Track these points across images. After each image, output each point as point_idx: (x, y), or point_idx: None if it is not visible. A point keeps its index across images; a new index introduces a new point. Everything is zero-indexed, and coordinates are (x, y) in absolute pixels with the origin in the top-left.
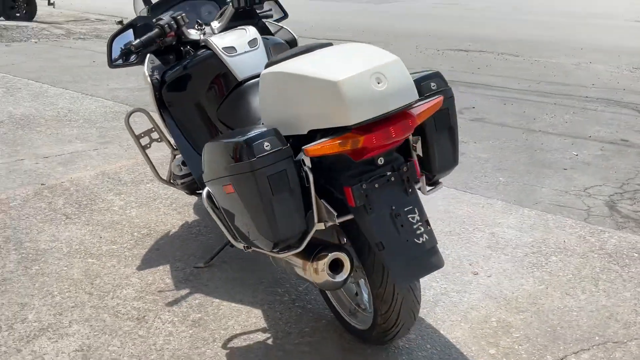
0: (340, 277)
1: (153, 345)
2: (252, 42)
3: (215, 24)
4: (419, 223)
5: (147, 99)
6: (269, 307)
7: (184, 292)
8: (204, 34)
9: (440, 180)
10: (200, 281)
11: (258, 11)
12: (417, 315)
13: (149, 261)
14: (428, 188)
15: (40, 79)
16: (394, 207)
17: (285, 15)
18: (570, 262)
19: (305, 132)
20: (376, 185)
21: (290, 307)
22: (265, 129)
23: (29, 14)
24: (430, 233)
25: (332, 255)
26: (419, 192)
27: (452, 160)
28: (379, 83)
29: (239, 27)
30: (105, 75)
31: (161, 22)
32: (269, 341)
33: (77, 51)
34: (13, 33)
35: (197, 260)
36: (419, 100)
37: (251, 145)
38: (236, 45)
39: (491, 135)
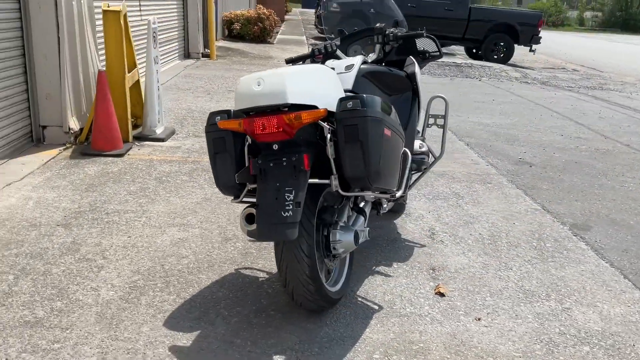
0: (250, 227)
1: (210, 254)
2: (348, 67)
3: (371, 55)
4: (291, 202)
5: None
6: None
7: (264, 245)
8: None
9: (402, 202)
10: None
11: (431, 50)
12: (308, 288)
13: None
14: (349, 192)
15: None
16: (278, 184)
17: (439, 55)
18: (595, 356)
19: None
20: (271, 164)
21: None
22: (226, 109)
23: (505, 57)
24: (296, 212)
25: (246, 210)
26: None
27: (362, 170)
28: (258, 85)
29: (354, 57)
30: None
31: (314, 47)
32: (260, 279)
33: (496, 89)
34: (472, 71)
35: None
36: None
37: (210, 117)
38: (336, 67)
39: None
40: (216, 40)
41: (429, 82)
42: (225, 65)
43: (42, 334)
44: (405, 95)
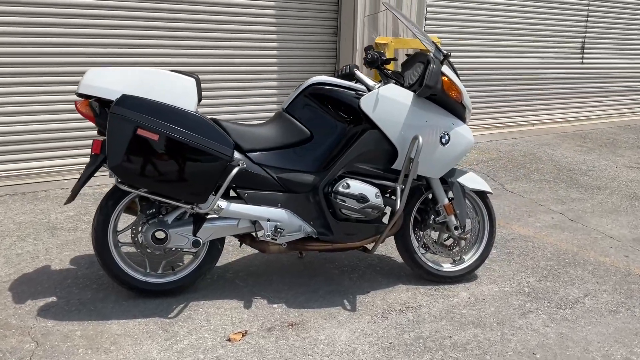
0: None
1: None
2: (297, 87)
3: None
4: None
5: None
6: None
7: None
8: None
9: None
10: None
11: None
12: (97, 258)
13: None
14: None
15: None
16: None
17: (419, 87)
18: None
19: None
20: None
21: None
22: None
23: None
24: (78, 186)
25: None
26: None
27: (108, 162)
28: None
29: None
30: None
31: (338, 69)
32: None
33: None
34: None
35: None
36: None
37: None
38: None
39: None
40: None
41: None
42: None
43: (40, 232)
44: (358, 127)
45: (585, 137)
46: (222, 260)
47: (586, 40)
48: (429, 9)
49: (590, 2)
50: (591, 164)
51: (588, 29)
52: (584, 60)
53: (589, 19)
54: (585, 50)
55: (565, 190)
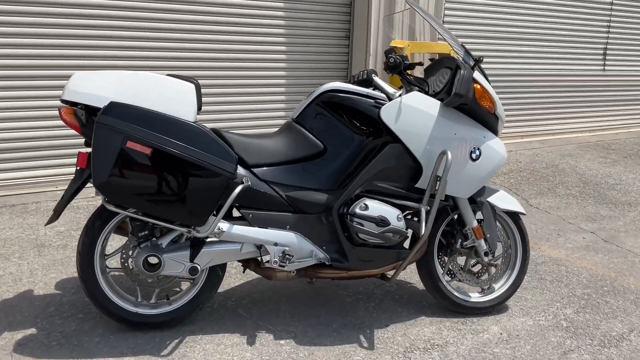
0: None
1: None
2: (309, 95)
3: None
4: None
5: None
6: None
7: None
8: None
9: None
10: None
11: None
12: (81, 284)
13: None
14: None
15: None
16: None
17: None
18: None
19: None
20: None
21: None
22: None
23: None
24: (61, 203)
25: None
26: None
27: (93, 178)
28: None
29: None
30: None
31: (353, 75)
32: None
33: None
34: None
35: None
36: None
37: None
38: (309, 95)
39: None
40: None
41: None
42: None
43: (26, 250)
44: (377, 140)
45: (608, 148)
46: (224, 285)
47: (608, 47)
48: (447, 12)
49: (613, 8)
50: (618, 177)
51: (610, 36)
52: (606, 68)
53: (611, 24)
54: (607, 58)
55: (594, 206)
